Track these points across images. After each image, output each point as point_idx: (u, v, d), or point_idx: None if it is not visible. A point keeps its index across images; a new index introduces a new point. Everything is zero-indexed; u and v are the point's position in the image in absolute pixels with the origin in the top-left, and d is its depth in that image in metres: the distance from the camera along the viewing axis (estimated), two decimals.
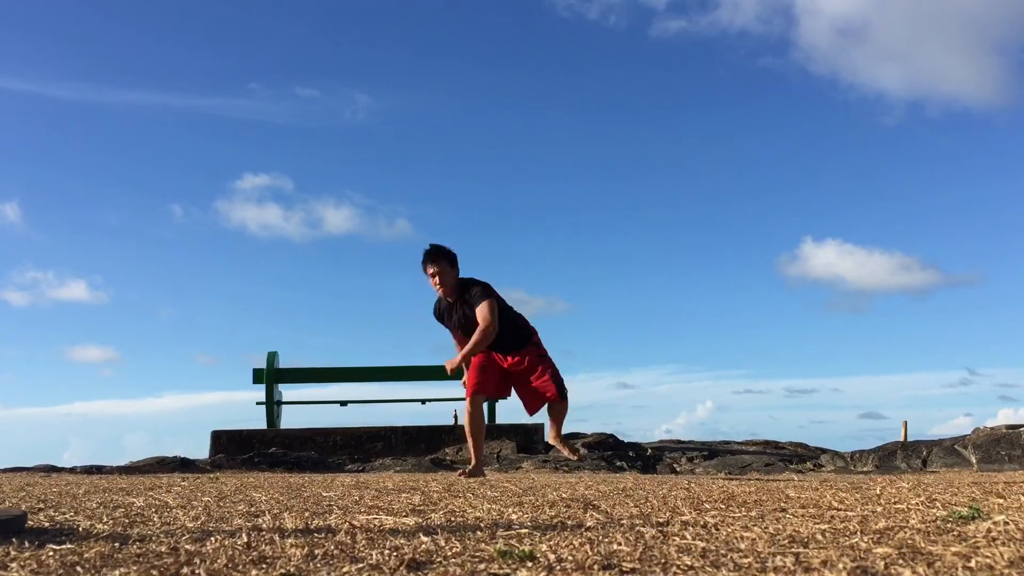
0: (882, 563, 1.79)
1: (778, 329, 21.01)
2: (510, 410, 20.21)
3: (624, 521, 2.69)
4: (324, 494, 4.11)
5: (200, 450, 10.83)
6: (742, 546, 2.07)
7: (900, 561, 1.81)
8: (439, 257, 5.72)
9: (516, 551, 1.99)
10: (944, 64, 20.33)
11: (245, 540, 2.28)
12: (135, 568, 1.87)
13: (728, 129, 21.99)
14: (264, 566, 1.89)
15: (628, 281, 21.48)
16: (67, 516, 3.04)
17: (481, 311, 5.59)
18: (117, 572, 1.83)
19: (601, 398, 18.88)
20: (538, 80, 21.91)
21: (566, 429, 6.15)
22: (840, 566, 1.75)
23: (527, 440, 10.65)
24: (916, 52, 20.39)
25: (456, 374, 5.88)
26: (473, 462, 5.79)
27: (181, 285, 21.65)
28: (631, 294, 21.49)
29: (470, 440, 5.88)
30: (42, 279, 20.07)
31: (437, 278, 5.71)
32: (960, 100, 21.31)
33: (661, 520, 2.69)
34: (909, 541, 2.08)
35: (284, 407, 12.14)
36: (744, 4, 20.03)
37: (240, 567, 1.88)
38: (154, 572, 1.83)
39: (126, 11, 21.16)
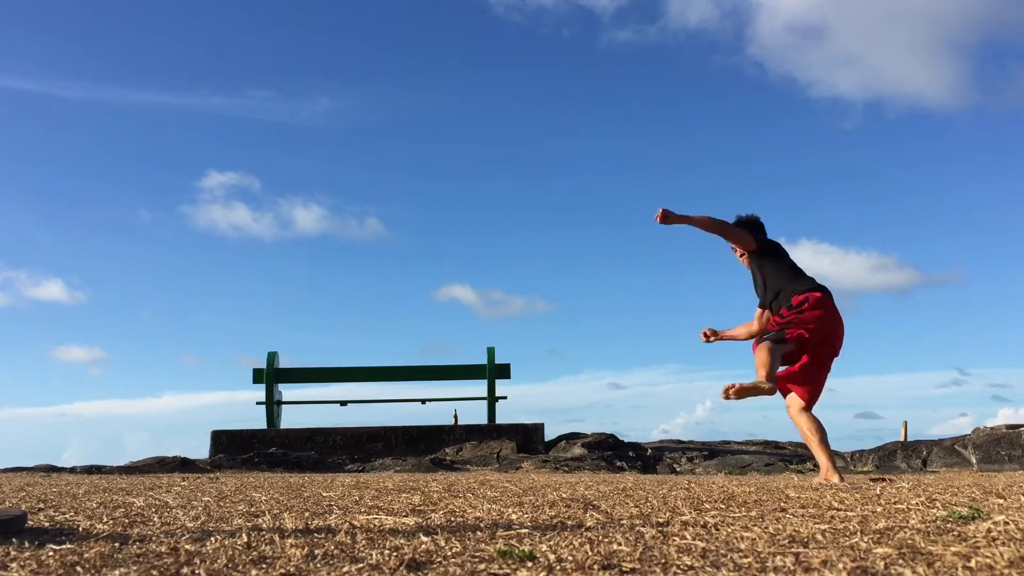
0: (882, 563, 1.79)
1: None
2: (510, 410, 20.23)
3: (624, 521, 2.69)
4: (324, 494, 4.11)
5: (200, 450, 10.84)
6: (742, 546, 2.07)
7: (900, 561, 1.81)
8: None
9: (516, 551, 1.99)
10: (905, 65, 20.42)
11: (245, 540, 2.28)
12: (135, 568, 1.87)
13: (693, 131, 22.06)
14: (264, 566, 1.89)
15: (608, 281, 21.55)
16: (67, 516, 3.04)
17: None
18: (117, 572, 1.83)
19: (596, 398, 18.90)
20: (503, 80, 22.02)
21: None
22: (840, 566, 1.75)
23: (527, 440, 10.66)
24: (875, 54, 20.47)
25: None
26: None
27: (159, 285, 21.69)
28: (612, 294, 21.56)
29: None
30: (15, 278, 20.06)
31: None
32: (921, 101, 21.41)
33: (661, 520, 2.69)
34: (909, 541, 2.08)
35: (284, 407, 12.14)
36: (702, 6, 20.16)
37: (240, 567, 1.88)
38: (154, 572, 1.83)
39: (85, 7, 21.16)
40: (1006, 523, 2.34)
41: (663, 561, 1.88)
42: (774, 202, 21.54)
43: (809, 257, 19.31)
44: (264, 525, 2.69)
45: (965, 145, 21.03)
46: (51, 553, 2.07)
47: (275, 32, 21.67)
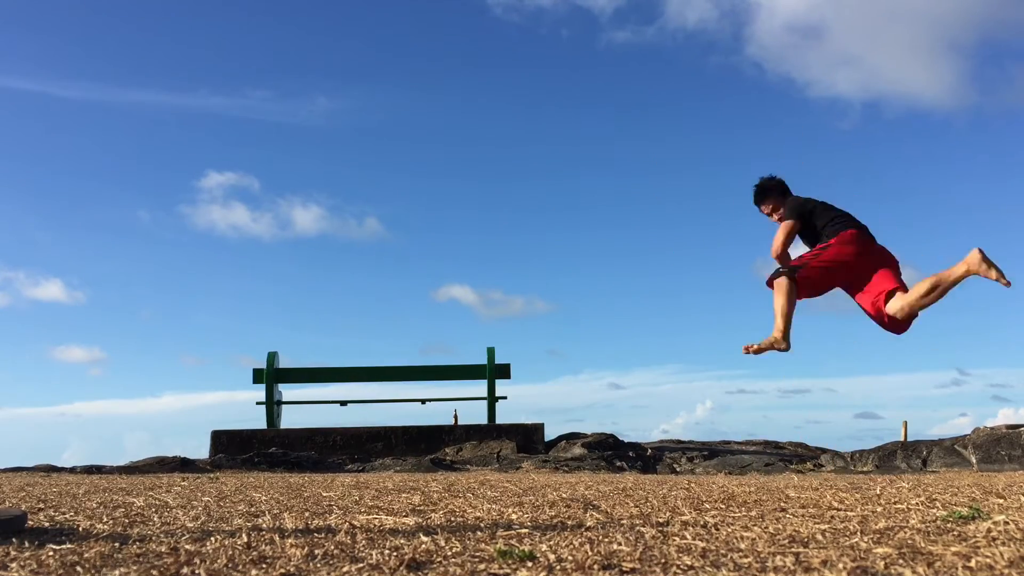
0: (882, 563, 1.79)
1: (766, 330, 20.98)
2: (510, 410, 20.23)
3: (624, 521, 2.69)
4: (324, 494, 4.11)
5: (200, 450, 10.83)
6: (742, 546, 2.07)
7: (900, 561, 1.81)
8: (766, 195, 5.15)
9: (516, 551, 1.99)
10: (903, 66, 20.35)
11: (245, 540, 2.28)
12: (135, 568, 1.87)
13: (692, 131, 21.98)
14: (264, 566, 1.89)
15: (608, 281, 21.50)
16: (67, 516, 3.04)
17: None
18: (117, 572, 1.83)
19: (596, 398, 18.88)
20: (502, 81, 21.93)
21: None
22: (840, 566, 1.75)
23: (527, 440, 10.65)
24: (874, 54, 20.40)
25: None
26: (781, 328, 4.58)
27: (159, 285, 21.56)
28: (612, 294, 21.51)
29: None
30: (14, 278, 20.00)
31: (775, 216, 5.11)
32: (920, 102, 21.33)
33: (661, 520, 2.69)
34: (909, 541, 2.08)
35: (284, 407, 12.14)
36: (700, 6, 20.13)
37: (240, 567, 1.88)
38: (154, 572, 1.83)
39: (85, 7, 21.08)
40: (1006, 523, 2.34)
41: (663, 561, 1.88)
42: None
43: None
44: (264, 525, 2.69)
45: (964, 145, 20.99)
46: (51, 553, 2.07)
47: (274, 32, 21.64)
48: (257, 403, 11.50)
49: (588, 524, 2.60)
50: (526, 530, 2.46)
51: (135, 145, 21.18)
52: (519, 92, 21.69)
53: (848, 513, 2.78)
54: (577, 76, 21.67)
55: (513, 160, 21.85)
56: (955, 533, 2.20)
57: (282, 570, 1.84)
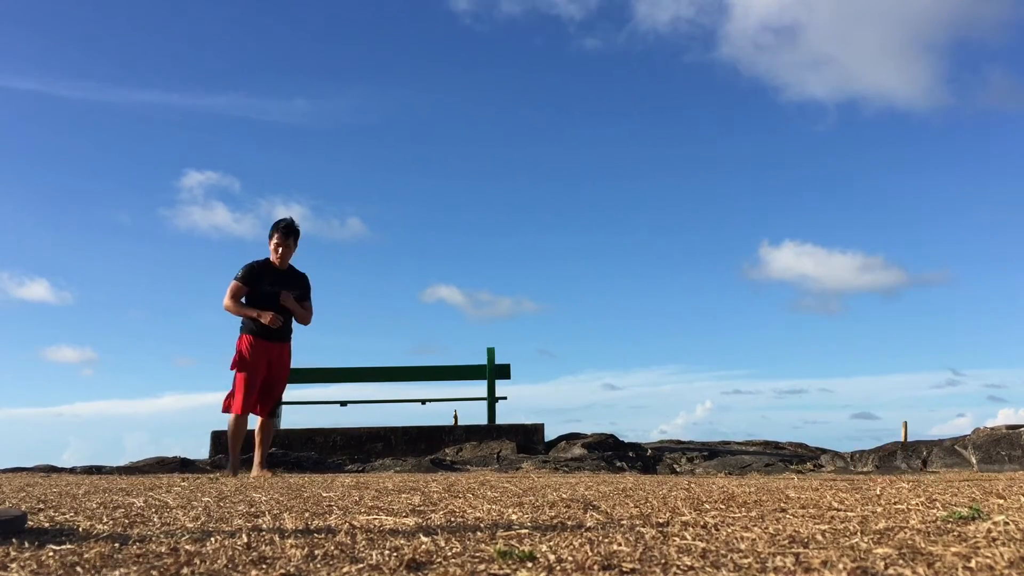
0: (882, 563, 1.79)
1: (763, 331, 21.06)
2: (510, 409, 20.24)
3: (624, 521, 2.69)
4: (324, 494, 4.11)
5: (200, 450, 10.83)
6: (742, 546, 2.07)
7: (900, 561, 1.81)
8: (295, 234, 6.63)
9: (516, 551, 1.99)
10: (877, 68, 20.38)
11: (245, 540, 2.28)
12: (135, 568, 1.87)
13: (681, 133, 22.09)
14: (264, 566, 1.89)
15: (597, 281, 21.57)
16: (67, 516, 3.04)
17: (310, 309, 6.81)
18: (117, 572, 1.83)
19: (595, 399, 18.90)
20: (483, 81, 22.01)
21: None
22: (840, 566, 1.75)
23: (527, 440, 10.65)
24: (848, 56, 20.45)
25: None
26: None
27: (146, 284, 21.61)
28: (601, 294, 21.58)
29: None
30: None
31: (284, 251, 6.59)
32: (895, 104, 21.40)
33: (661, 520, 2.69)
34: (909, 541, 2.08)
35: (284, 407, 12.13)
36: (671, 8, 20.16)
37: (240, 567, 1.88)
38: (154, 572, 1.83)
39: (59, 4, 21.10)
40: (1006, 523, 2.34)
41: (663, 561, 1.88)
42: (762, 202, 21.56)
43: (792, 258, 19.31)
44: (264, 525, 2.69)
45: (939, 147, 21.09)
46: (51, 553, 2.07)
47: (253, 31, 21.69)
48: None
49: (588, 524, 2.60)
50: (526, 530, 2.46)
51: (116, 144, 21.19)
52: (500, 92, 21.76)
53: (848, 513, 2.78)
54: (552, 78, 21.75)
55: (497, 160, 21.91)
56: (955, 533, 2.20)
57: (282, 570, 1.84)
